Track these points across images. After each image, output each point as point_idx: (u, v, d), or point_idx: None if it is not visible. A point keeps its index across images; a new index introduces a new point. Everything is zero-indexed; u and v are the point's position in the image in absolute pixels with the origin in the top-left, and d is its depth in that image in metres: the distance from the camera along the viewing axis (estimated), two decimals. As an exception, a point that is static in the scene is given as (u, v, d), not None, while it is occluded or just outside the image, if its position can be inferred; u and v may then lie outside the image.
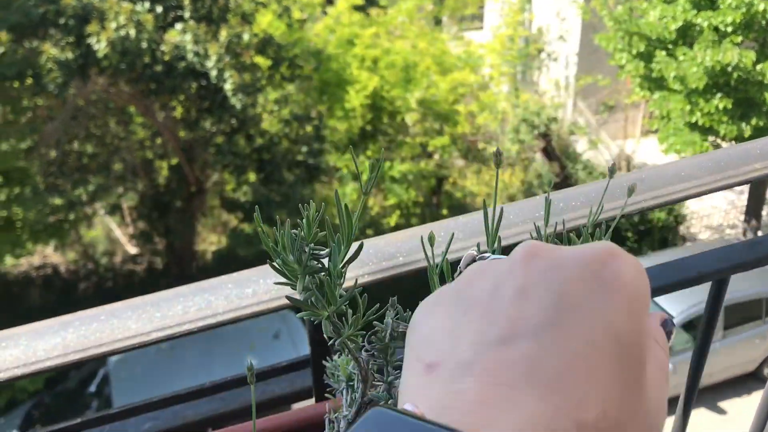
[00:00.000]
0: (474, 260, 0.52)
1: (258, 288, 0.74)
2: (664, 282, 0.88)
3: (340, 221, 0.64)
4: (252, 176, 10.39)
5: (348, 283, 0.79)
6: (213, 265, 12.31)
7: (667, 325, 0.46)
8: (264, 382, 0.82)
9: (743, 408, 9.33)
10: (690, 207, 13.62)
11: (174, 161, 11.28)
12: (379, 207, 13.13)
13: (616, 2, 11.95)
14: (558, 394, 0.36)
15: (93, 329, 0.72)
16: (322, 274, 0.63)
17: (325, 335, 0.65)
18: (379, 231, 12.71)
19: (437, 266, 0.69)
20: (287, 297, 0.63)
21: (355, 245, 0.65)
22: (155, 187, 11.40)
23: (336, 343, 0.64)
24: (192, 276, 11.86)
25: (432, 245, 0.66)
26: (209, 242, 13.09)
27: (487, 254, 0.53)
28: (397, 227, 12.60)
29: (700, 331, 0.98)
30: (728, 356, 9.43)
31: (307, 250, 0.63)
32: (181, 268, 11.80)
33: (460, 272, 0.53)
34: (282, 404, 0.81)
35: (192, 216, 11.16)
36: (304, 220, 0.64)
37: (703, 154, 0.91)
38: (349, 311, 0.66)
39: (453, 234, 0.75)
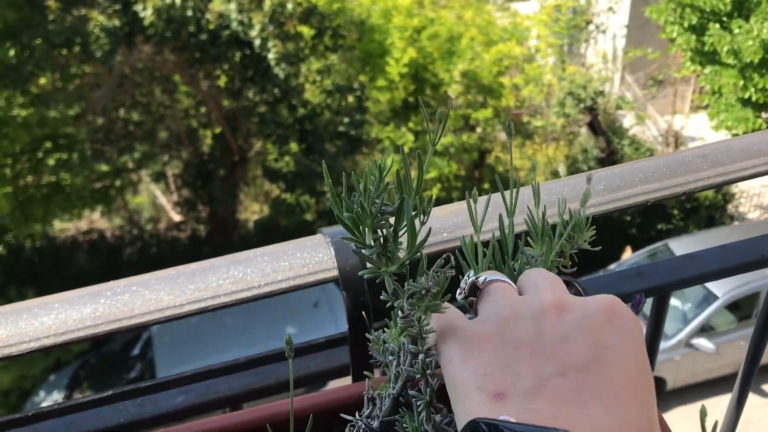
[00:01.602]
0: (476, 286, 0.60)
1: (294, 261, 0.72)
2: (724, 265, 0.84)
3: (405, 178, 0.62)
4: (294, 146, 10.40)
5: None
6: (254, 234, 12.42)
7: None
8: (299, 358, 0.80)
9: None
10: (739, 185, 13.25)
11: (217, 130, 11.36)
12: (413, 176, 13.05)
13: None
14: (619, 410, 0.47)
15: (125, 300, 0.70)
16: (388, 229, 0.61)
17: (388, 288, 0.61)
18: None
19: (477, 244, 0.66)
20: (354, 250, 0.61)
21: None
22: (199, 156, 11.51)
23: (395, 304, 0.62)
24: (234, 245, 12.00)
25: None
26: (251, 211, 13.21)
27: (487, 277, 0.59)
28: (438, 201, 12.53)
29: (761, 312, 0.92)
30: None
31: (378, 201, 0.61)
32: (223, 236, 11.94)
33: (464, 295, 0.61)
34: (317, 381, 0.79)
35: (235, 185, 11.26)
36: (376, 173, 0.61)
37: (770, 130, 0.85)
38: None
39: (485, 210, 0.72)
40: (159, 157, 11.16)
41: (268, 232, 12.12)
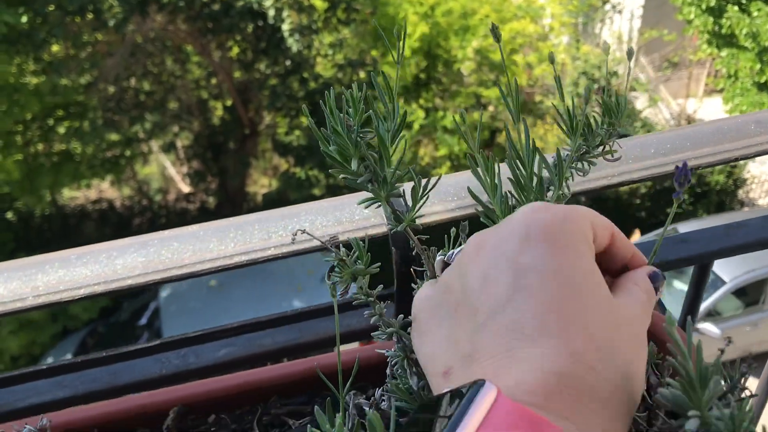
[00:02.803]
0: (445, 263, 0.58)
1: (343, 216, 0.71)
2: (729, 243, 0.83)
3: (380, 97, 0.62)
4: (305, 120, 10.37)
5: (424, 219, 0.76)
6: (263, 208, 12.39)
7: (655, 278, 0.54)
8: (342, 314, 0.80)
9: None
10: (751, 171, 13.18)
11: (228, 102, 11.33)
12: (429, 157, 13.03)
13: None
14: (546, 339, 0.44)
15: (173, 249, 0.70)
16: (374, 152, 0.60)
17: (385, 217, 0.61)
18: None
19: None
20: (342, 177, 0.61)
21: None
22: (210, 127, 11.49)
23: (399, 228, 0.61)
24: (242, 217, 12.02)
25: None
26: (260, 185, 13.21)
27: (454, 252, 0.58)
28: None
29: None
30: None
31: (355, 127, 0.60)
32: (232, 208, 11.95)
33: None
34: (362, 338, 0.78)
35: (245, 158, 11.25)
36: (349, 101, 0.61)
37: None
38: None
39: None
40: (169, 127, 11.14)
41: (278, 206, 12.09)
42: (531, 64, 13.09)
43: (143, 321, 8.52)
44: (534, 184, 0.59)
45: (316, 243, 0.69)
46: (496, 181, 0.59)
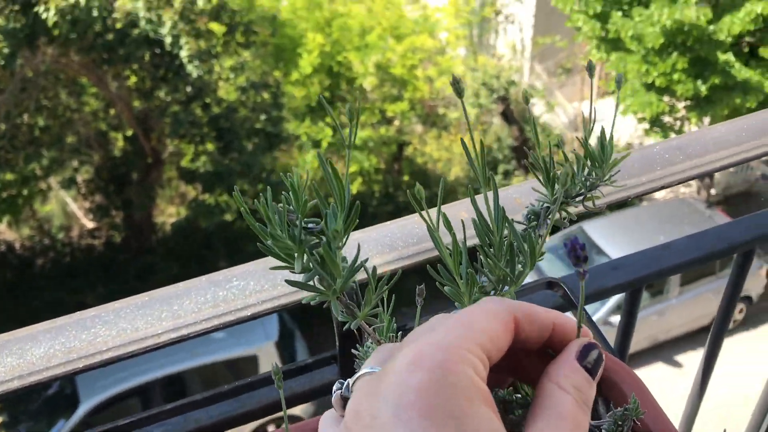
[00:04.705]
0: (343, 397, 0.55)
1: (277, 278, 0.67)
2: (695, 254, 0.85)
3: (329, 184, 0.59)
4: (210, 146, 10.17)
5: (362, 276, 0.73)
6: (173, 237, 12.11)
7: (586, 354, 0.50)
8: (286, 380, 0.76)
9: (698, 361, 9.62)
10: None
11: (129, 132, 10.99)
12: (340, 174, 13.02)
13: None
14: None
15: (95, 332, 0.64)
16: (321, 249, 0.57)
17: (336, 316, 0.58)
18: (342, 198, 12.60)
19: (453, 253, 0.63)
20: (286, 280, 0.58)
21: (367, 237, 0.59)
22: (111, 159, 11.11)
23: (352, 327, 0.59)
24: (152, 249, 11.66)
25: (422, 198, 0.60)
26: (168, 214, 12.86)
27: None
28: (359, 195, 12.53)
29: (723, 302, 0.94)
30: (684, 312, 9.68)
31: (298, 223, 0.57)
32: (140, 241, 11.58)
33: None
34: (305, 401, 0.75)
35: (150, 188, 10.92)
36: (290, 191, 0.58)
37: (741, 119, 0.86)
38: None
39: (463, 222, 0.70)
40: (68, 162, 10.70)
41: (188, 235, 11.84)
42: (431, 77, 13.32)
43: (53, 390, 7.90)
44: (504, 250, 0.56)
45: (248, 313, 0.65)
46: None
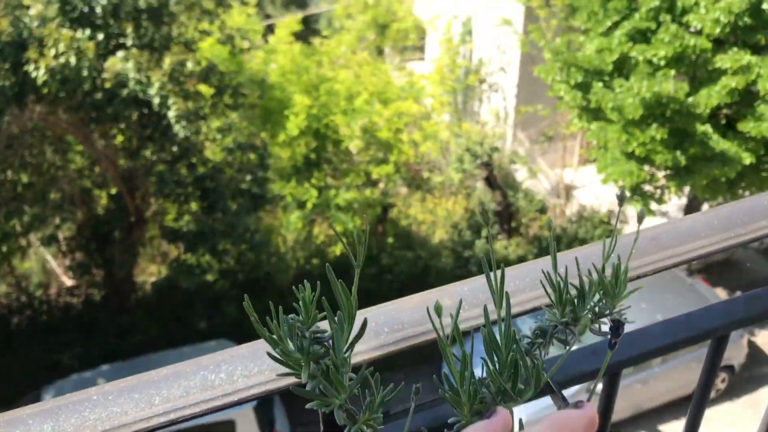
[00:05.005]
0: None
1: (264, 364, 0.69)
2: (671, 339, 0.87)
3: (337, 298, 0.61)
4: (194, 205, 10.18)
5: (355, 359, 0.75)
6: (153, 296, 12.00)
7: None
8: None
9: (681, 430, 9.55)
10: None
11: (113, 190, 10.99)
12: (324, 236, 13.06)
13: (554, 35, 12.29)
14: None
15: (84, 417, 0.65)
16: (327, 359, 0.60)
17: (339, 422, 0.61)
18: (325, 260, 12.61)
19: (448, 337, 0.65)
20: (291, 388, 0.60)
21: (358, 321, 0.61)
22: (94, 217, 11.07)
23: (352, 431, 0.61)
24: (131, 308, 11.53)
25: (439, 315, 0.63)
26: (149, 273, 12.76)
27: None
28: (342, 256, 12.53)
29: (698, 386, 0.97)
30: (667, 380, 9.66)
31: (307, 335, 0.60)
32: (120, 300, 11.46)
33: None
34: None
35: (132, 246, 10.86)
36: (300, 302, 0.61)
37: (712, 210, 0.90)
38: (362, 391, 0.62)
39: (461, 300, 0.72)
40: (50, 219, 10.64)
41: (168, 295, 11.74)
42: (416, 141, 13.51)
43: None
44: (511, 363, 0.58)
45: (236, 398, 0.66)
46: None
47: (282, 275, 11.88)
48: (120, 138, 9.74)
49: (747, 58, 9.11)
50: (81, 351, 10.51)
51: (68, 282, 12.23)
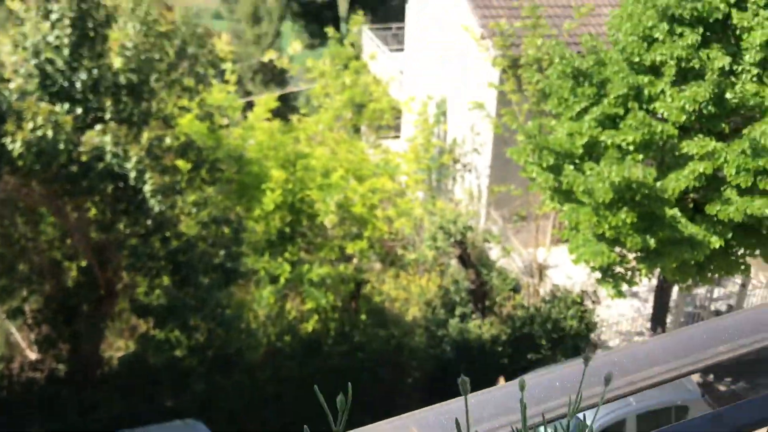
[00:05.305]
0: None
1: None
2: None
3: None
4: (166, 279, 10.07)
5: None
6: (120, 372, 11.70)
7: None
8: None
9: None
10: (600, 315, 14.03)
11: (84, 263, 10.85)
12: (296, 311, 12.93)
13: (526, 119, 12.63)
14: None
15: None
16: None
17: None
18: (297, 337, 12.46)
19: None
20: None
21: None
22: (63, 290, 10.88)
23: None
24: (96, 384, 11.21)
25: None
26: (116, 347, 12.48)
27: None
28: (314, 332, 12.39)
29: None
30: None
31: None
32: (85, 374, 11.15)
33: None
34: None
35: (100, 320, 10.66)
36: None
37: (670, 335, 0.93)
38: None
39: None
40: (18, 291, 10.44)
41: (135, 370, 11.46)
42: (391, 217, 13.61)
43: None
44: None
45: None
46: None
47: (252, 352, 11.70)
48: (93, 211, 9.69)
49: (712, 144, 9.40)
50: (40, 430, 10.16)
51: (32, 356, 11.91)
